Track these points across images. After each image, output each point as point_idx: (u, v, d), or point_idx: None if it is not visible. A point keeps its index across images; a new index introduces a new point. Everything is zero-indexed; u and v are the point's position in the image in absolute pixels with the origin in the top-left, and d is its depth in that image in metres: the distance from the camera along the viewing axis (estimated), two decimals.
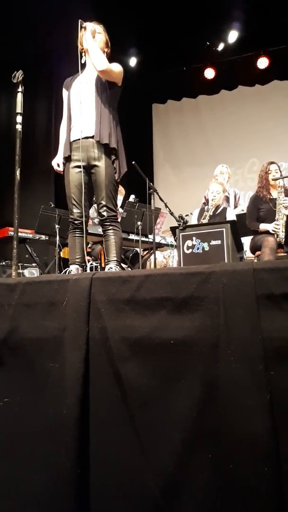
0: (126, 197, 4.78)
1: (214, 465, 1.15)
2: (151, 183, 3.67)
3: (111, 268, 2.53)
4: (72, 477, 1.23)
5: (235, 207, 4.68)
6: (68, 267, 2.69)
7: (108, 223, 2.57)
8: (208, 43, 6.73)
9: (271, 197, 3.67)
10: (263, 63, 6.63)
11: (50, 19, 5.47)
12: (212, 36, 6.62)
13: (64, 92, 2.72)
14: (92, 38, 2.55)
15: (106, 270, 2.56)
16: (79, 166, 2.54)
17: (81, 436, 1.25)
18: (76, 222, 2.60)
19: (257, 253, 3.59)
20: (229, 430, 1.13)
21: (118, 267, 2.57)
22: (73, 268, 2.62)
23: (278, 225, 3.51)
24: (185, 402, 1.19)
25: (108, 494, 1.22)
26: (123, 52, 6.62)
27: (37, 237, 4.68)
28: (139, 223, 4.11)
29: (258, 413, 1.11)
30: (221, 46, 6.71)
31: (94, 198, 2.73)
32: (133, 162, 3.53)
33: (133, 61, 6.96)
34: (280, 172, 3.77)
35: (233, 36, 6.46)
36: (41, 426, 1.31)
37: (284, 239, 3.45)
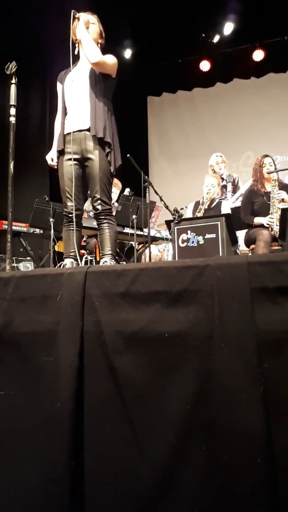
0: (122, 190, 4.76)
1: (209, 457, 1.16)
2: (146, 176, 3.66)
3: (106, 261, 2.53)
4: (66, 469, 1.23)
5: (234, 192, 4.64)
6: (63, 261, 2.68)
7: (103, 217, 2.56)
8: (203, 35, 6.67)
9: (266, 190, 3.66)
10: (258, 55, 6.59)
11: (43, 9, 5.40)
12: (207, 28, 6.56)
13: (58, 86, 2.70)
14: (85, 29, 2.52)
15: (101, 263, 2.56)
16: (73, 159, 2.52)
17: (76, 429, 1.26)
18: (70, 215, 2.58)
19: (252, 246, 3.60)
20: (223, 422, 1.14)
21: (113, 260, 2.57)
22: (68, 262, 2.62)
23: (272, 218, 3.51)
24: (179, 395, 1.20)
25: (103, 486, 1.22)
26: (117, 43, 6.55)
27: (32, 231, 4.66)
28: (134, 216, 4.10)
29: (252, 405, 1.12)
30: (216, 38, 6.65)
31: (88, 191, 2.72)
32: (128, 155, 3.51)
33: (128, 53, 6.90)
34: (275, 165, 3.76)
35: (228, 28, 6.41)
36: (35, 420, 1.31)
37: (278, 233, 3.46)
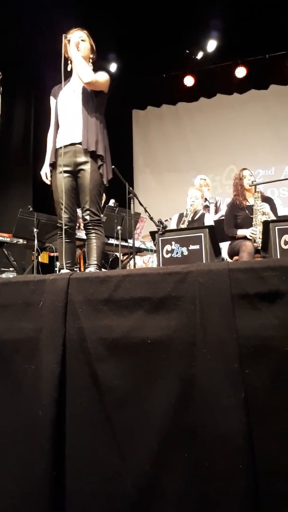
0: (106, 202, 4.78)
1: (190, 464, 1.15)
2: (131, 188, 3.69)
3: (91, 271, 2.53)
4: (47, 479, 1.21)
5: (216, 212, 4.74)
6: (54, 272, 2.69)
7: (91, 227, 2.58)
8: (187, 51, 6.82)
9: (248, 203, 3.72)
10: (241, 72, 6.76)
11: (31, 24, 5.45)
12: (191, 45, 6.71)
13: (52, 100, 2.74)
14: (76, 51, 2.58)
15: None
16: (66, 171, 2.55)
17: (57, 437, 1.24)
18: (65, 227, 2.60)
19: (235, 258, 3.64)
20: (205, 428, 1.14)
21: (98, 271, 2.57)
22: None
23: (255, 230, 3.56)
24: (161, 401, 1.20)
25: (84, 495, 1.20)
26: (103, 57, 6.64)
27: (15, 241, 4.61)
28: (119, 227, 4.11)
29: (233, 411, 1.13)
30: (200, 55, 6.81)
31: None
32: (113, 167, 3.53)
33: (113, 67, 6.99)
34: (254, 177, 3.83)
35: (212, 45, 6.57)
36: (16, 428, 1.29)
37: (261, 245, 3.51)
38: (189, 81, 7.16)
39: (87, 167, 2.52)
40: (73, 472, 1.22)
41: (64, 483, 1.22)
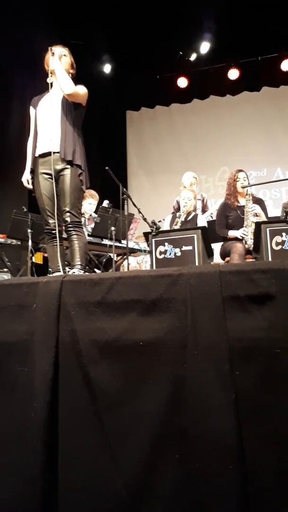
0: (100, 203, 4.79)
1: (181, 465, 1.17)
2: (124, 189, 3.70)
3: (75, 273, 2.57)
4: (40, 481, 1.22)
5: (203, 211, 4.77)
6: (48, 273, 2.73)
7: (72, 228, 2.62)
8: (181, 53, 6.85)
9: (239, 204, 3.75)
10: (233, 74, 6.80)
11: (27, 25, 5.44)
12: (184, 46, 6.74)
13: (31, 110, 2.83)
14: (59, 63, 2.68)
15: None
16: (48, 179, 2.63)
17: (50, 439, 1.25)
18: (53, 232, 2.64)
19: (227, 259, 3.67)
20: (196, 429, 1.16)
21: (82, 271, 2.61)
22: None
23: (246, 231, 3.59)
24: (153, 403, 1.21)
25: (76, 496, 1.22)
26: (97, 58, 6.64)
27: (9, 242, 4.61)
28: (112, 228, 4.12)
29: (224, 412, 1.14)
30: (193, 57, 6.84)
31: None
32: (107, 168, 3.55)
33: (107, 68, 7.00)
34: (248, 180, 3.86)
35: (205, 47, 6.60)
36: (8, 430, 1.30)
37: (252, 246, 3.54)
38: (182, 82, 7.19)
39: (66, 172, 2.61)
40: (66, 473, 1.23)
41: (56, 484, 1.23)
